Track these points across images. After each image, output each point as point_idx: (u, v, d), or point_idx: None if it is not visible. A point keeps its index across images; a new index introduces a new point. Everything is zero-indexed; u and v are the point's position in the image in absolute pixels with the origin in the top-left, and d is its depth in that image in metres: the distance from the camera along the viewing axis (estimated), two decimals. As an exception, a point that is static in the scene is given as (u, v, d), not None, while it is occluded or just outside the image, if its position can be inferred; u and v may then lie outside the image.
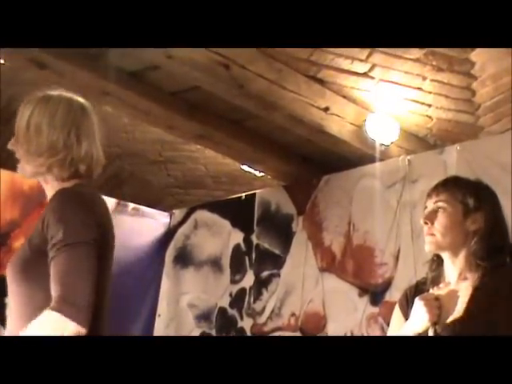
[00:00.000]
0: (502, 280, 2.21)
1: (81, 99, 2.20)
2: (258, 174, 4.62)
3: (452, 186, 2.34)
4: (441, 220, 2.28)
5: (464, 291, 2.22)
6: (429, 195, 2.35)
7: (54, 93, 2.18)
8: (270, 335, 4.31)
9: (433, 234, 2.29)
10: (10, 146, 2.14)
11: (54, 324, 1.85)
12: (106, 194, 4.92)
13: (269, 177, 4.62)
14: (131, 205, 4.84)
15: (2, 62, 3.47)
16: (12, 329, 2.00)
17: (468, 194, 2.30)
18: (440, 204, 2.30)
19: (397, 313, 2.40)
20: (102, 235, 2.02)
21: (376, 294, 3.86)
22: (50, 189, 2.12)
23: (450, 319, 2.20)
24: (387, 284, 3.82)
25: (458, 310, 2.20)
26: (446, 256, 2.31)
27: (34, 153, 2.09)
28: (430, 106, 3.68)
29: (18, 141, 2.13)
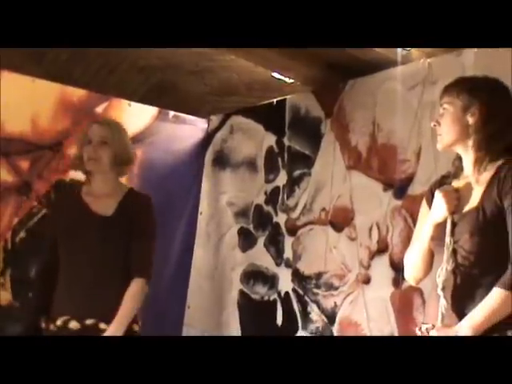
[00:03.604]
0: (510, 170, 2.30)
1: None
2: (287, 80, 4.67)
3: (452, 86, 2.47)
4: (445, 120, 2.44)
5: (479, 183, 2.36)
6: (439, 100, 2.49)
7: None
8: (301, 230, 4.50)
9: (440, 134, 2.45)
10: None
11: None
12: (148, 104, 5.08)
13: (298, 83, 4.67)
14: (172, 113, 5.06)
15: None
16: None
17: (463, 90, 2.41)
18: (444, 106, 2.45)
19: (424, 205, 2.56)
20: None
21: (399, 189, 3.93)
22: None
23: (465, 209, 2.36)
24: (409, 179, 3.88)
25: (474, 201, 2.35)
26: (459, 152, 2.46)
27: None
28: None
29: None
